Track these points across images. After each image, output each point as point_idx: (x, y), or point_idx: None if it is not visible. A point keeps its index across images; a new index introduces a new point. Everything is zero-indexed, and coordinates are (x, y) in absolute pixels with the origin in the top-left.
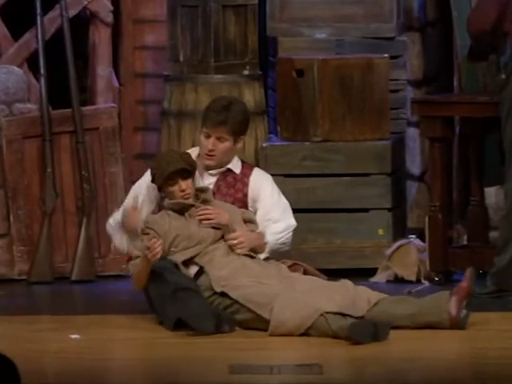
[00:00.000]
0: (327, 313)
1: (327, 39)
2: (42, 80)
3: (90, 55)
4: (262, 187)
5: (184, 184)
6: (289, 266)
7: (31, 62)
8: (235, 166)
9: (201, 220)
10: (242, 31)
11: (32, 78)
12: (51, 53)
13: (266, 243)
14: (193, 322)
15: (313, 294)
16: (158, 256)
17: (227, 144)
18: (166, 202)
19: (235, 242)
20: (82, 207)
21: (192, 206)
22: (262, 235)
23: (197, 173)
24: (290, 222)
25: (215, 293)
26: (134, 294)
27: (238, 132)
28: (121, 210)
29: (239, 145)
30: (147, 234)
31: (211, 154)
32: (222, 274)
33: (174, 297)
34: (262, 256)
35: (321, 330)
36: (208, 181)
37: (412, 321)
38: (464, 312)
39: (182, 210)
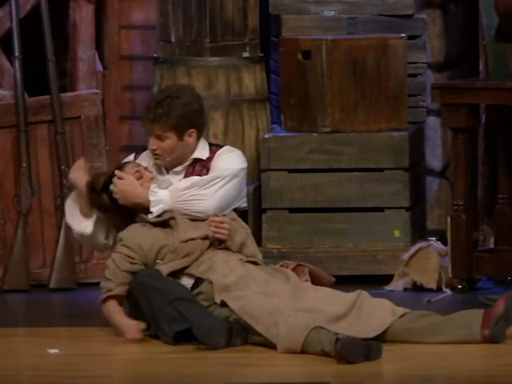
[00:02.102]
0: (321, 328)
1: (337, 17)
2: (17, 63)
3: (70, 35)
4: (218, 159)
5: (151, 174)
6: (293, 268)
7: (4, 43)
8: (201, 153)
9: (216, 233)
10: (240, 8)
11: (5, 60)
12: (27, 32)
13: (148, 201)
14: (204, 336)
15: (316, 313)
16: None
17: (169, 142)
18: (140, 216)
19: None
20: (61, 206)
21: (171, 218)
22: (145, 193)
23: (164, 175)
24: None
25: (214, 302)
26: None
27: (181, 126)
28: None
29: (191, 139)
30: (119, 252)
31: (156, 153)
32: (226, 281)
33: (172, 308)
34: (151, 216)
35: (312, 347)
36: (175, 179)
37: (439, 335)
38: (499, 325)
39: (162, 221)
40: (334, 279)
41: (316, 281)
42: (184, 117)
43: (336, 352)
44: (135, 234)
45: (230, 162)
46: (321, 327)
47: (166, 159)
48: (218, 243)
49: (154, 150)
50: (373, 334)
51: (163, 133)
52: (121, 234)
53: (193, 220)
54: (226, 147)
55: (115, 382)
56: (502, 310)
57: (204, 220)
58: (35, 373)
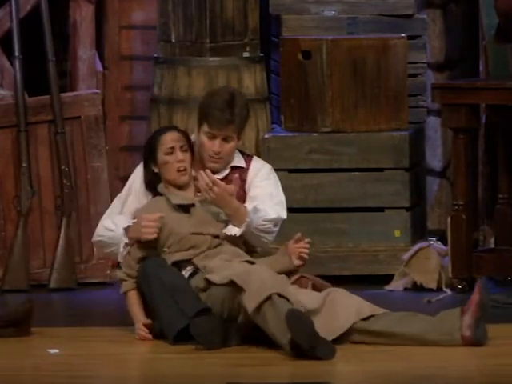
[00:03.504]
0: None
1: (337, 17)
2: (17, 63)
3: (70, 35)
4: (257, 178)
5: (182, 155)
6: (296, 280)
7: (5, 43)
8: (238, 161)
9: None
10: (241, 8)
11: (5, 60)
12: (27, 32)
13: (246, 221)
14: (201, 336)
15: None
16: (151, 237)
17: (233, 143)
18: (161, 187)
19: (207, 186)
20: (61, 206)
21: (192, 205)
22: (244, 211)
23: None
24: (281, 214)
25: (203, 290)
26: (120, 304)
27: (243, 127)
28: (107, 220)
29: (240, 141)
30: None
31: (217, 156)
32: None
33: (172, 300)
34: (233, 232)
35: (270, 312)
36: None
37: (420, 341)
38: (480, 327)
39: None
40: None
41: (316, 291)
42: (247, 117)
43: (286, 322)
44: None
45: (280, 191)
46: (290, 303)
47: (224, 162)
48: (302, 264)
49: (219, 152)
50: (331, 337)
51: (232, 133)
52: (136, 213)
53: (215, 213)
54: (257, 159)
55: (115, 382)
56: (479, 309)
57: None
58: (35, 373)
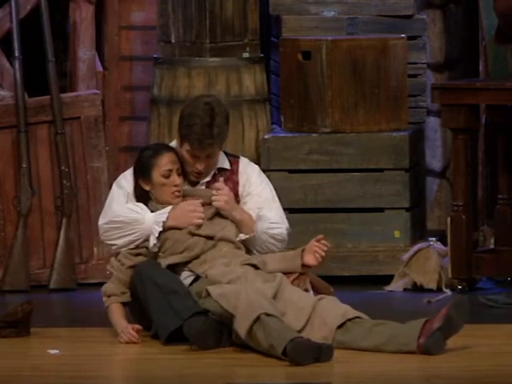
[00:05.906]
0: (279, 320)
1: (337, 17)
2: (17, 64)
3: (70, 36)
4: (251, 184)
5: (178, 179)
6: (295, 279)
7: (4, 44)
8: (223, 162)
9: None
10: (241, 8)
11: (5, 61)
12: (27, 33)
13: (253, 228)
14: (194, 337)
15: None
16: (200, 222)
17: (216, 156)
18: (152, 205)
19: (216, 192)
20: (61, 207)
21: None
22: (250, 215)
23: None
24: (285, 221)
25: (204, 298)
26: None
27: (226, 138)
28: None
29: (222, 147)
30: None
31: (201, 172)
32: (222, 280)
33: (166, 301)
34: (246, 236)
35: (261, 333)
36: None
37: (383, 349)
38: (435, 337)
39: None
40: (333, 290)
41: (315, 290)
42: (228, 127)
43: (285, 355)
44: None
45: (274, 193)
46: (279, 320)
47: (207, 174)
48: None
49: (202, 169)
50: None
51: (215, 150)
52: None
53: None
54: (244, 160)
55: (115, 382)
56: (440, 320)
57: (222, 218)
58: (35, 373)
